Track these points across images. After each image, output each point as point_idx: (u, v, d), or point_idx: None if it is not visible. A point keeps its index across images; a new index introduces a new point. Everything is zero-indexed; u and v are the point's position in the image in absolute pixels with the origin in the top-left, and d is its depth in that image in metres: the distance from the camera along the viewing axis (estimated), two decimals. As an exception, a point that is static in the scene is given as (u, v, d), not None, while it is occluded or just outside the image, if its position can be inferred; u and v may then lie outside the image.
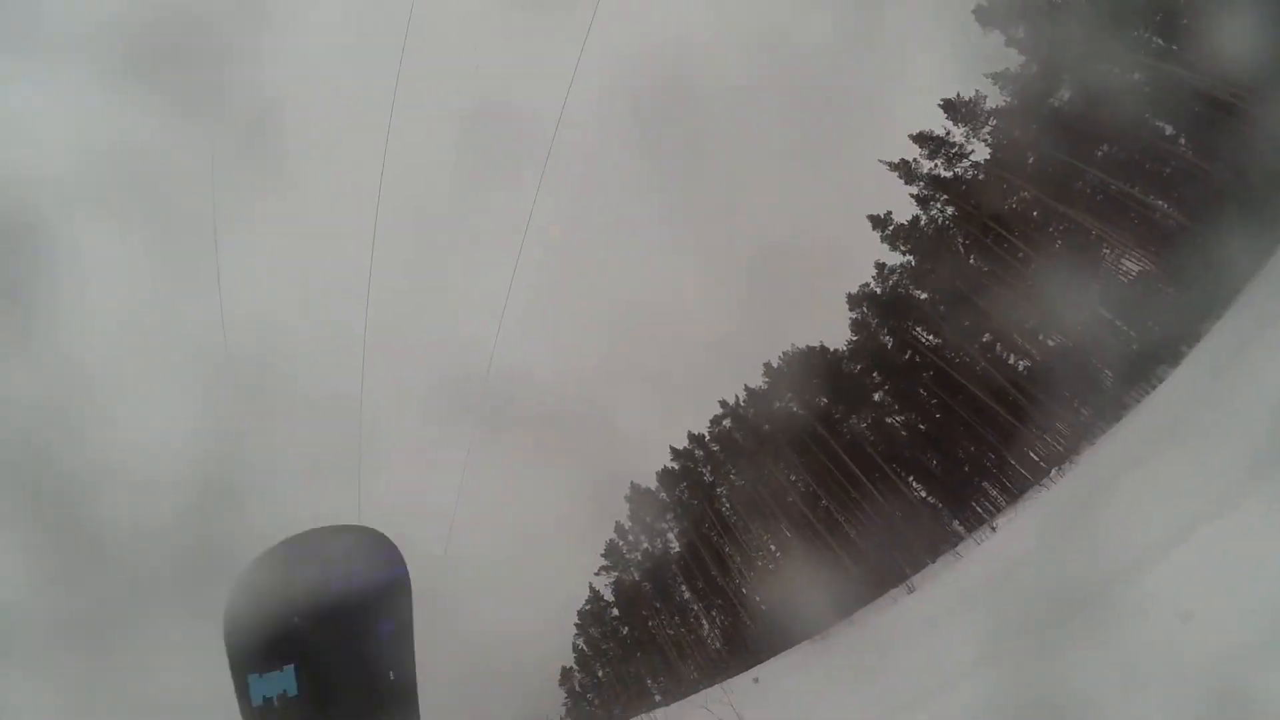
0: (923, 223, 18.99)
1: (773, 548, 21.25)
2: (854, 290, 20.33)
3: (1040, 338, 17.63)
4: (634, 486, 24.46)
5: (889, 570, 17.44)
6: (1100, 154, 15.81)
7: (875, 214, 19.63)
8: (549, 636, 24.41)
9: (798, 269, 22.43)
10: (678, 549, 22.98)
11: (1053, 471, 15.55)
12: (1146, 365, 14.28)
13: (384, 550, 2.32)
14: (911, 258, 18.59)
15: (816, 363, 20.12)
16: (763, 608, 20.43)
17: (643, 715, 19.42)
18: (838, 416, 19.70)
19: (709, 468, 22.29)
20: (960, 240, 18.75)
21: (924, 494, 18.88)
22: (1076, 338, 15.34)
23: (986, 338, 18.03)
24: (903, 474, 18.84)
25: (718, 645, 21.84)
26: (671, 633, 22.42)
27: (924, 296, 19.00)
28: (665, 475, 23.07)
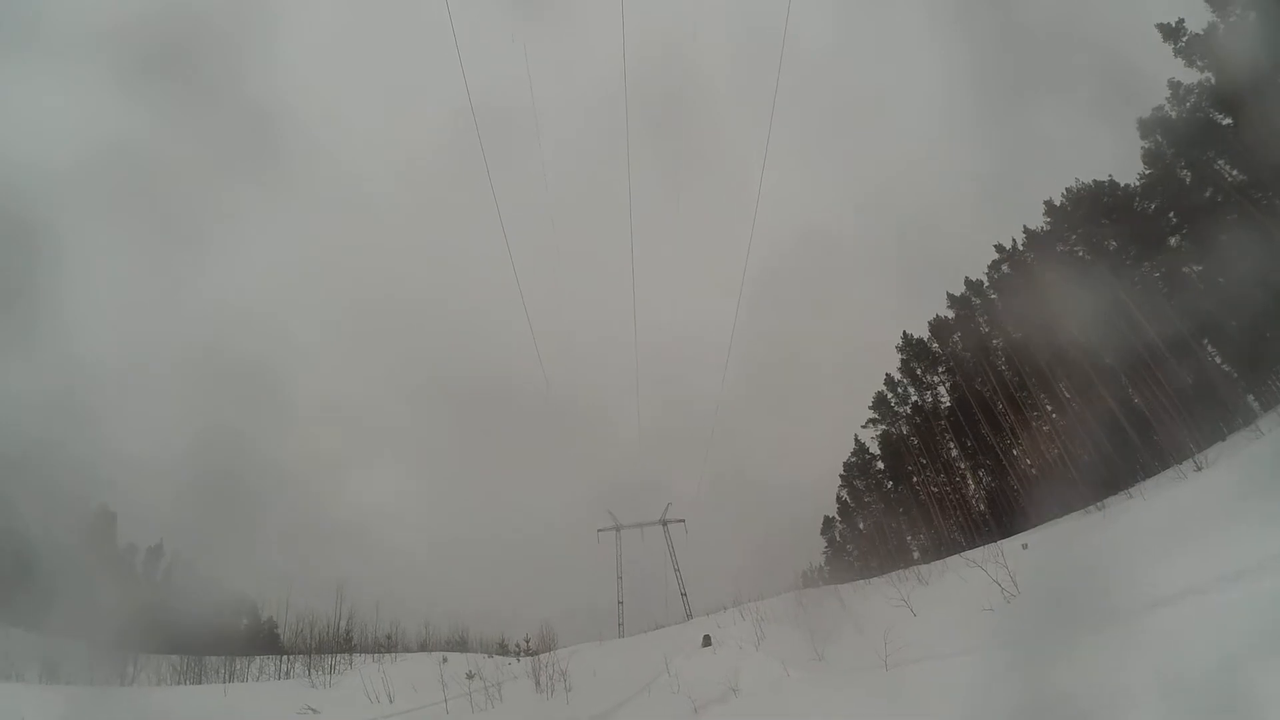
0: (1221, 31, 22.34)
1: (1049, 408, 29.41)
2: (1145, 115, 24.55)
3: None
4: (905, 336, 35.07)
5: (1175, 443, 22.51)
6: None
7: (1165, 22, 23.42)
8: (816, 485, 37.28)
9: (1080, 92, 28.03)
10: (948, 404, 33.42)
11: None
12: None
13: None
14: (1211, 75, 22.47)
15: (1104, 200, 26.28)
16: (1033, 471, 29.24)
17: (902, 569, 26.36)
18: (1127, 263, 25.56)
19: (985, 317, 31.10)
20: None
21: (1219, 361, 24.13)
22: None
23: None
24: (1196, 335, 23.86)
25: (982, 507, 32.22)
26: (935, 490, 33.34)
27: (1229, 122, 22.73)
28: (938, 325, 33.14)
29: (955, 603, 9.05)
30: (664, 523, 40.66)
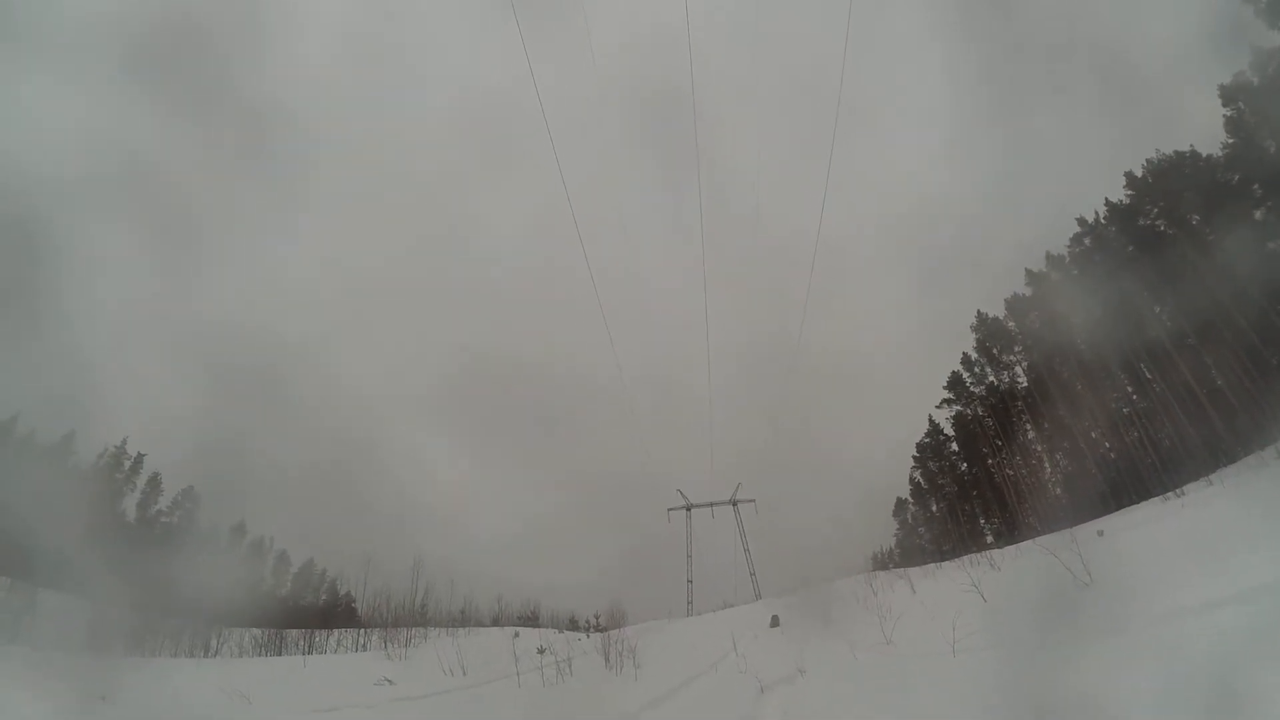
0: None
1: (1129, 389, 28.93)
2: (1227, 81, 23.90)
3: None
4: (980, 315, 34.46)
5: (1260, 428, 21.94)
6: None
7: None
8: (889, 466, 36.70)
9: (1163, 55, 27.12)
10: (1024, 384, 32.85)
11: None
12: None
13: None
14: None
15: (1185, 172, 25.64)
16: (1112, 455, 28.82)
17: (975, 553, 25.71)
18: (1210, 238, 24.68)
19: (1065, 294, 29.89)
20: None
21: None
22: None
23: None
24: (1285, 312, 22.31)
25: (1058, 491, 31.00)
26: (1010, 473, 32.59)
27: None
28: (1015, 302, 32.55)
29: (1027, 589, 8.93)
30: (734, 503, 40.26)
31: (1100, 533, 18.24)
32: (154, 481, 34.21)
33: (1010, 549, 22.81)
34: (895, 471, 37.83)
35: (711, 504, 40.64)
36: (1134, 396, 29.31)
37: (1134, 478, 27.39)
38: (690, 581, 38.90)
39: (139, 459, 33.86)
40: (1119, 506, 24.84)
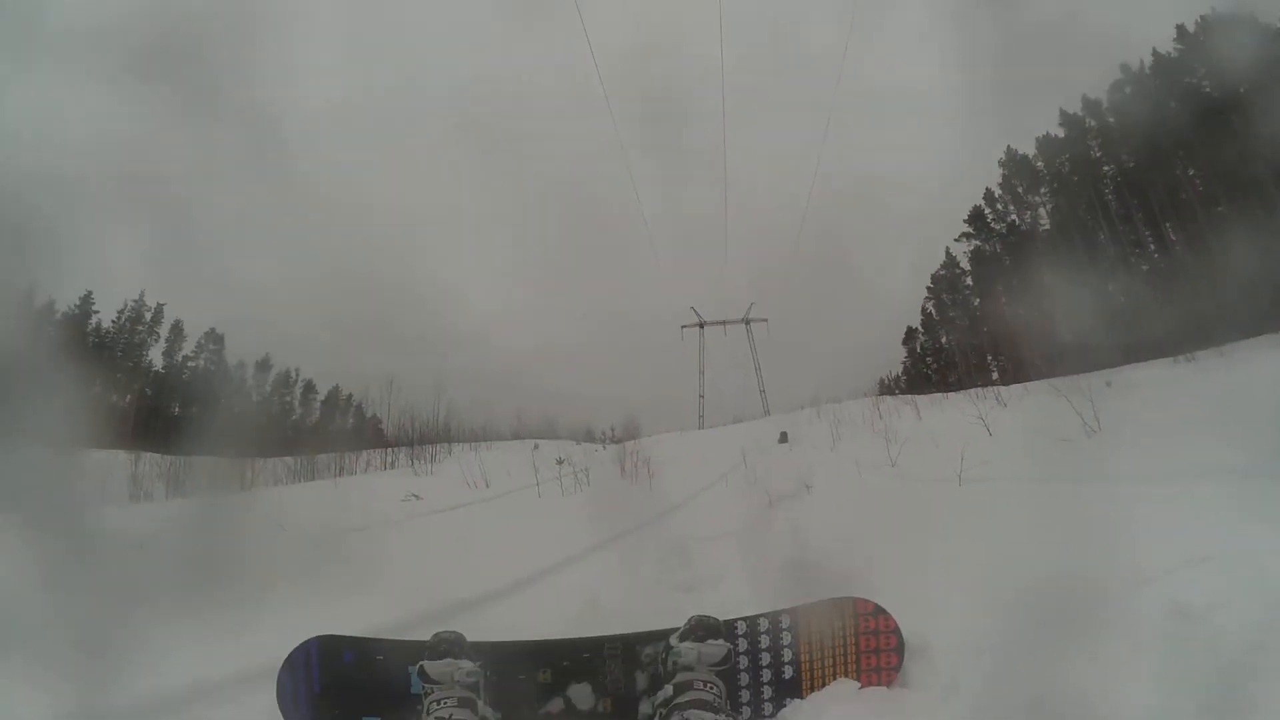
0: None
1: (1152, 248, 28.64)
2: None
3: None
4: (1009, 151, 33.74)
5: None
6: None
7: None
8: (900, 294, 36.70)
9: None
10: (1047, 227, 32.49)
11: None
12: None
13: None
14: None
15: (1241, 37, 23.89)
16: (1126, 310, 27.02)
17: (980, 388, 26.03)
18: (1258, 109, 22.09)
19: (1099, 142, 29.73)
20: None
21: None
22: None
23: None
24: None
25: (1067, 337, 33.12)
26: (1022, 313, 31.81)
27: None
28: (1046, 142, 31.85)
29: (1034, 429, 9.07)
30: (747, 321, 40.59)
31: (1108, 384, 17.02)
32: (176, 329, 34.88)
33: (1017, 387, 22.63)
34: (907, 300, 37.90)
35: (724, 322, 40.96)
36: (1155, 255, 28.84)
37: (1145, 336, 27.64)
38: (702, 396, 39.56)
39: (159, 309, 34.41)
40: (1126, 362, 23.36)
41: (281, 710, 2.22)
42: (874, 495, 6.80)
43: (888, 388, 35.42)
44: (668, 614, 2.97)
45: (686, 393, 39.79)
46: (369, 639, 2.35)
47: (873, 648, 2.28)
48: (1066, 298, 32.30)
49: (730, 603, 2.97)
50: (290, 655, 2.26)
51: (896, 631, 2.28)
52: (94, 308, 33.04)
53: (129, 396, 32.42)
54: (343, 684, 2.27)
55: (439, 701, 2.09)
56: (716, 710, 1.99)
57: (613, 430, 30.31)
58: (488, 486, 11.74)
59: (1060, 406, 8.37)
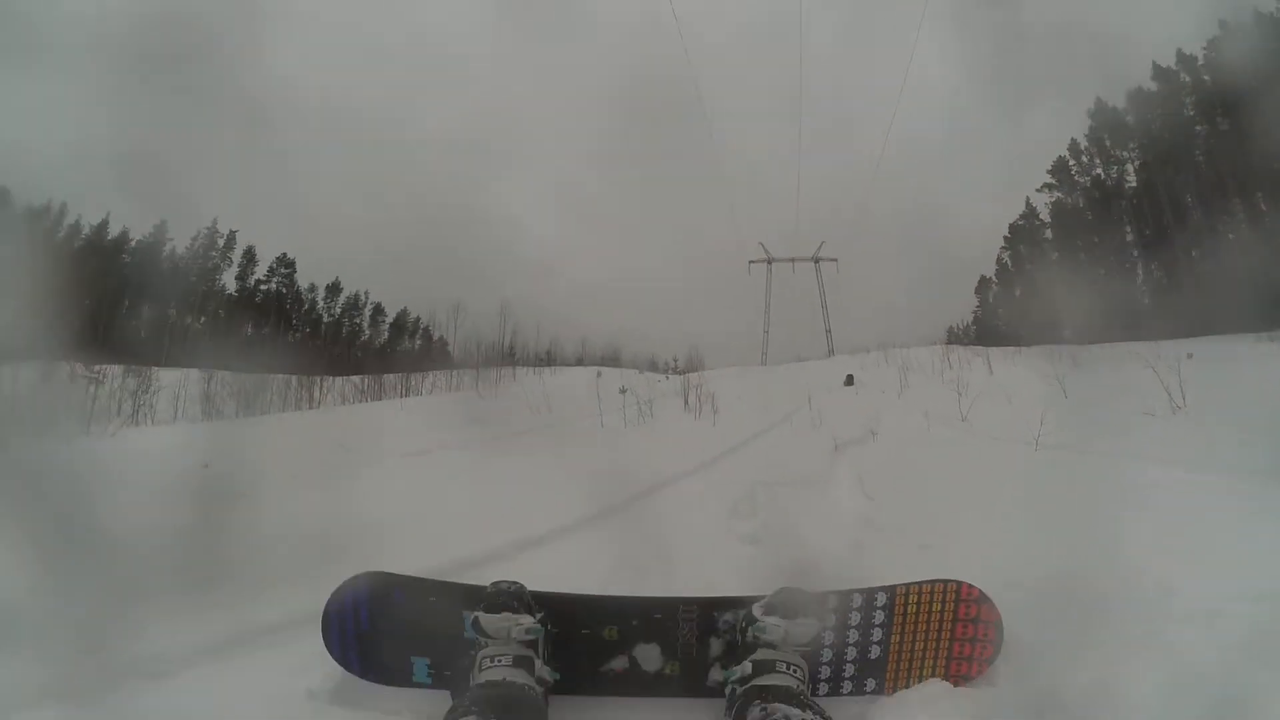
0: None
1: (1241, 216, 27.32)
2: None
3: None
4: (1099, 103, 32.71)
5: None
6: None
7: None
8: (974, 242, 36.36)
9: None
10: (1133, 184, 31.41)
11: None
12: None
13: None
14: None
15: None
16: (1212, 279, 26.83)
17: (1053, 345, 23.86)
18: None
19: (1193, 99, 28.46)
20: None
21: None
22: None
23: None
24: None
25: (1145, 300, 30.47)
26: (1102, 272, 30.92)
27: None
28: (1138, 96, 30.51)
29: (1113, 396, 8.63)
30: (816, 260, 40.25)
31: (1189, 355, 17.57)
32: (249, 254, 35.78)
33: (1094, 348, 21.83)
34: (982, 249, 37.40)
35: (793, 259, 40.47)
36: (1244, 225, 27.38)
37: (1227, 308, 26.55)
38: (766, 333, 39.45)
39: (231, 236, 35.36)
40: (1205, 334, 22.75)
41: (327, 647, 2.12)
42: (944, 450, 6.53)
43: (956, 337, 34.85)
44: (733, 567, 2.81)
45: (750, 328, 39.74)
46: (420, 579, 2.21)
47: (969, 636, 2.08)
48: (1148, 260, 31.46)
49: (798, 562, 2.81)
50: (337, 591, 2.14)
51: (998, 625, 2.07)
52: (168, 236, 33.90)
53: (203, 318, 33.49)
54: (392, 623, 2.14)
55: (492, 659, 1.93)
56: (802, 703, 1.75)
57: (675, 361, 30.31)
58: (550, 412, 11.65)
59: (1141, 376, 7.95)
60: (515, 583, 2.11)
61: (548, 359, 30.30)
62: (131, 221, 32.17)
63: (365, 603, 2.14)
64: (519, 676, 1.91)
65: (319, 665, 2.17)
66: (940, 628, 2.10)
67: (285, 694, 2.09)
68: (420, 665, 2.18)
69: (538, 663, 1.97)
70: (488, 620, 1.98)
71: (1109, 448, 5.20)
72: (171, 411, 14.35)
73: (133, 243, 32.63)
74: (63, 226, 31.54)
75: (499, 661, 1.93)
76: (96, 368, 12.88)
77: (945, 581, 2.12)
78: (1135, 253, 31.89)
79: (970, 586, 2.11)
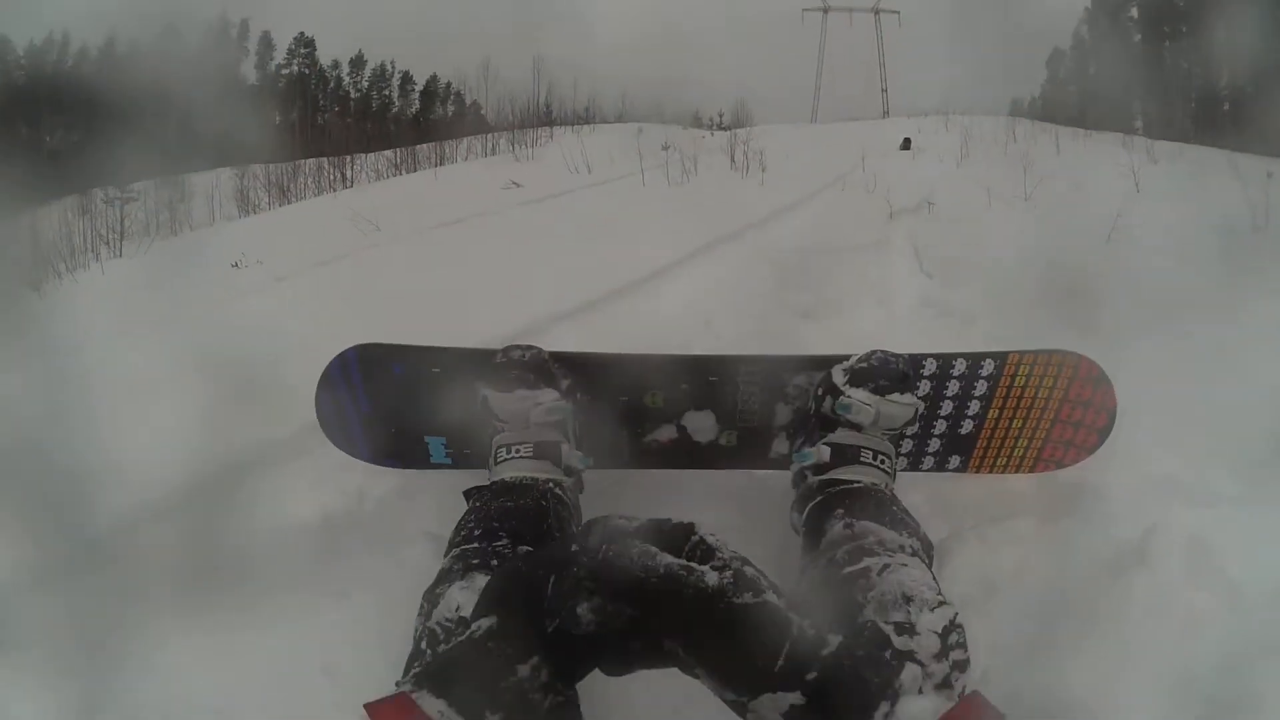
0: None
1: None
2: None
3: None
4: None
5: None
6: None
7: None
8: (1051, 8, 33.17)
9: None
10: None
11: None
12: None
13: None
14: None
15: None
16: None
17: (1125, 134, 29.13)
18: None
19: None
20: None
21: None
22: None
23: None
24: None
25: (1226, 106, 26.95)
26: (1185, 65, 29.10)
27: None
28: None
29: (1189, 200, 7.87)
30: (876, 11, 36.48)
31: (1270, 174, 16.79)
32: (265, 39, 34.30)
33: (1167, 144, 21.88)
34: (1059, 16, 33.97)
35: (851, 9, 36.65)
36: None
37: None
38: (819, 89, 36.23)
39: (244, 24, 33.62)
40: None
41: (327, 435, 1.77)
42: (1005, 229, 6.05)
43: (1021, 109, 32.50)
44: (786, 343, 2.50)
45: (800, 82, 36.25)
46: (419, 347, 1.78)
47: (1076, 419, 1.74)
48: (1244, 59, 28.83)
49: (857, 337, 2.51)
50: (325, 371, 1.74)
51: (1111, 412, 1.75)
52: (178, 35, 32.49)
53: (225, 114, 32.63)
54: (396, 401, 1.78)
55: (509, 448, 1.55)
56: (895, 519, 1.34)
57: (721, 116, 28.83)
58: (590, 172, 11.11)
59: (1219, 184, 7.29)
60: (531, 347, 1.67)
61: (586, 116, 28.93)
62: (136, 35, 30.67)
63: (360, 382, 1.82)
64: (542, 470, 1.54)
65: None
66: (1046, 406, 1.77)
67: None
68: (436, 445, 1.85)
69: (565, 447, 1.58)
70: (499, 401, 1.58)
71: (1181, 251, 4.73)
72: (209, 214, 14.12)
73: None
74: (69, 55, 30.01)
75: (517, 453, 1.55)
76: (130, 187, 12.62)
77: (1064, 354, 1.74)
78: (1225, 51, 29.18)
79: (1092, 363, 1.73)
